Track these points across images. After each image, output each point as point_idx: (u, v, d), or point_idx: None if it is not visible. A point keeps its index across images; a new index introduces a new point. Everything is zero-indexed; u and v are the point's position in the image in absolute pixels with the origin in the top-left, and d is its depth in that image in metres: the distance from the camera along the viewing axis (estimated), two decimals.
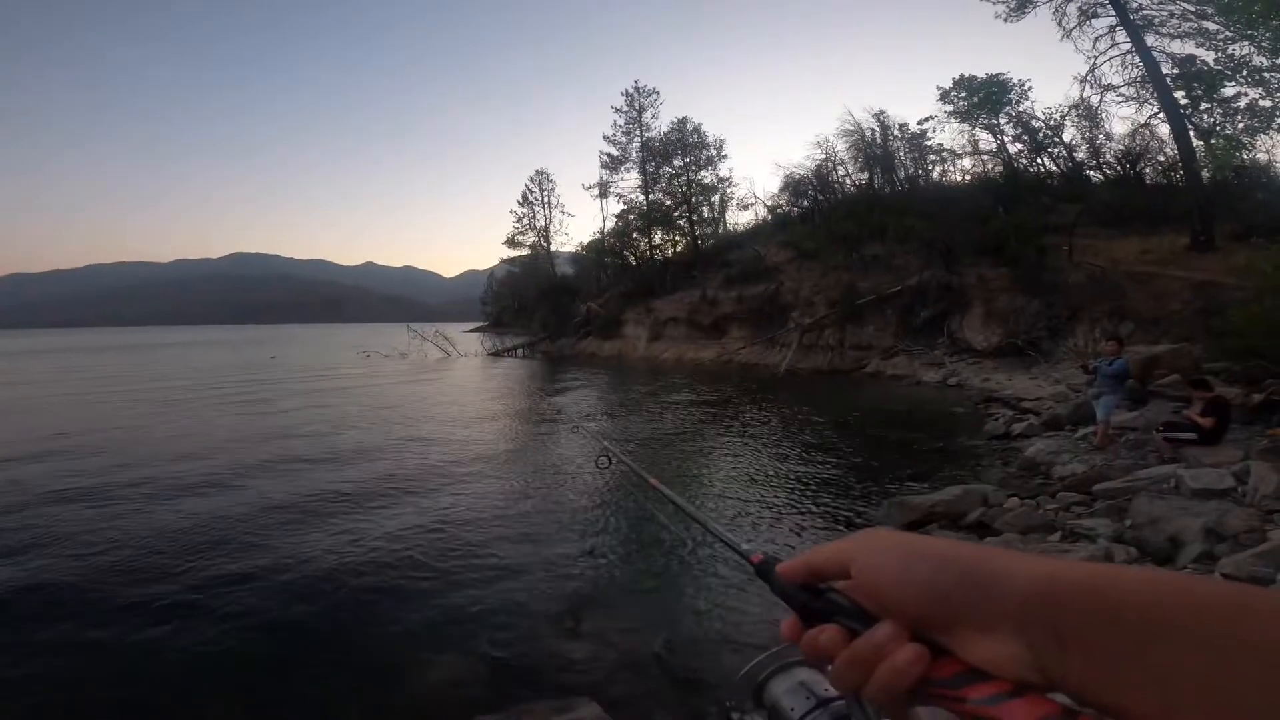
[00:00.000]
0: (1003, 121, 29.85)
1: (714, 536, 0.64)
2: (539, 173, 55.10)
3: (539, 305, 46.45)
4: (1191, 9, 18.26)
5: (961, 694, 0.35)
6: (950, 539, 0.40)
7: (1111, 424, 8.05)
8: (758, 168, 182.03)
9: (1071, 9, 21.68)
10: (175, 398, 16.78)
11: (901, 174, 33.05)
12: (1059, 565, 0.34)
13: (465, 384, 21.62)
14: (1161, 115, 20.63)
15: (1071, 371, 14.04)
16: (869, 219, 26.43)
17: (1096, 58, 22.00)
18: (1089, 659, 0.31)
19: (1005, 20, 22.91)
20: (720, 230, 41.13)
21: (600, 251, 44.03)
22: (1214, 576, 3.76)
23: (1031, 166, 29.96)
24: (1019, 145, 30.27)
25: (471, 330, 58.74)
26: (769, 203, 38.40)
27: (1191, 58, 19.21)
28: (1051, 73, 31.66)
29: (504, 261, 60.49)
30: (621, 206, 42.24)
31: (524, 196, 55.03)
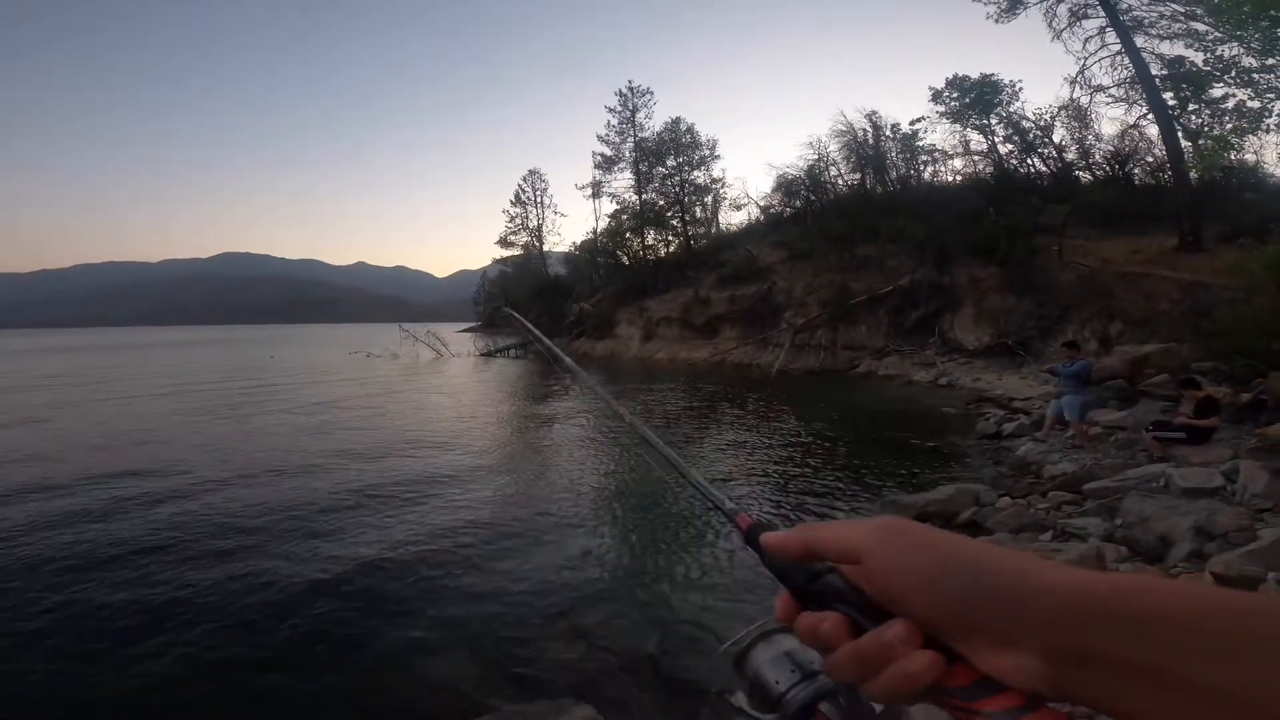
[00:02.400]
0: (994, 122, 29.99)
1: (695, 489, 0.56)
2: (532, 172, 55.10)
3: (531, 305, 46.33)
4: (1181, 10, 18.41)
5: (975, 706, 0.34)
6: (980, 543, 0.37)
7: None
8: (750, 168, 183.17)
9: (1062, 10, 21.87)
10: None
11: (893, 174, 33.14)
12: (1088, 579, 0.33)
13: (457, 383, 21.50)
14: (1150, 116, 20.84)
15: None
16: (861, 219, 26.50)
17: (1086, 59, 22.19)
18: (1114, 673, 0.30)
19: (996, 21, 23.10)
20: (713, 230, 41.20)
21: (593, 251, 44.04)
22: (1204, 577, 3.79)
23: (1022, 167, 30.12)
24: (1009, 146, 30.43)
25: (464, 330, 58.41)
26: (761, 203, 38.55)
27: (1180, 59, 19.41)
28: (1042, 74, 31.90)
29: (496, 261, 60.32)
30: (614, 206, 42.35)
31: (516, 196, 54.98)
